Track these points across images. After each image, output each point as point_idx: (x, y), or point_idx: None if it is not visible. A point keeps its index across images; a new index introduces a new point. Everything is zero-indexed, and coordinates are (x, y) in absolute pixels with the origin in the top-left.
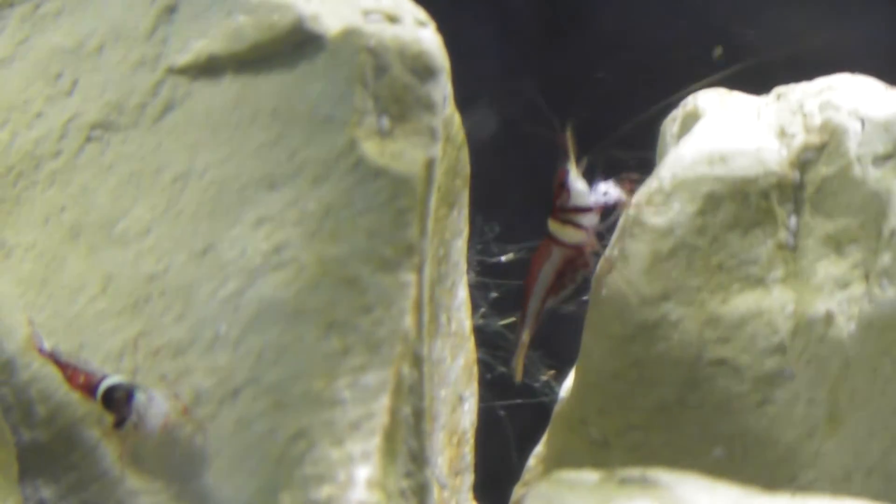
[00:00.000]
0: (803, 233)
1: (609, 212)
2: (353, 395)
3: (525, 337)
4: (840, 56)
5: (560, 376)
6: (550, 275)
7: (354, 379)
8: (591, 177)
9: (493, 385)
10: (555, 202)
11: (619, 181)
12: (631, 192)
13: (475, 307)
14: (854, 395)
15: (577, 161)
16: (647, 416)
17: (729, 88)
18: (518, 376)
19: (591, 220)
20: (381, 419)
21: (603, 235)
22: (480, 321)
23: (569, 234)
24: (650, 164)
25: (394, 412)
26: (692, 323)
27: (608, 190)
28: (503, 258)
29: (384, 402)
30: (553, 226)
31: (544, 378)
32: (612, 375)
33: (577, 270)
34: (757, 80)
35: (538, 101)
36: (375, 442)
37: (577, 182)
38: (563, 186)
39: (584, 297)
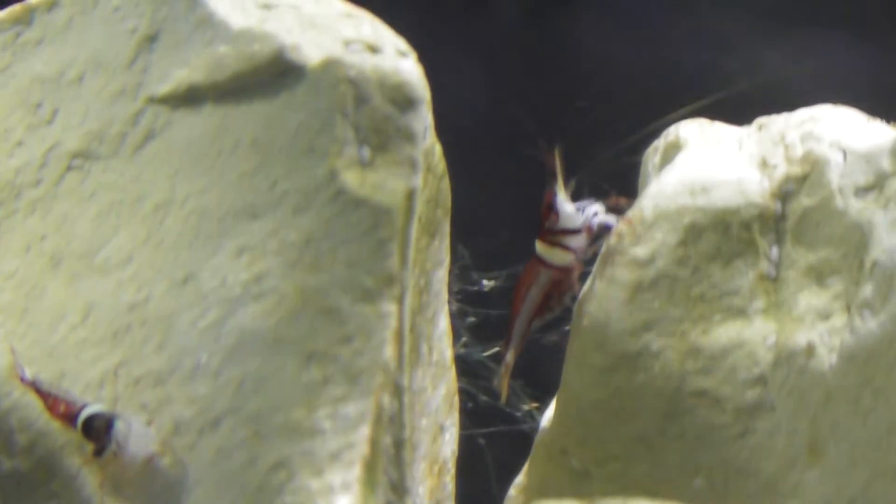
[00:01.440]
0: (785, 264)
1: (597, 235)
2: (334, 425)
3: (510, 358)
4: (821, 87)
5: (542, 406)
6: (537, 297)
7: (334, 409)
8: (578, 199)
9: (475, 414)
10: (542, 224)
11: (608, 204)
12: (620, 215)
13: (456, 336)
14: (835, 426)
15: (565, 183)
16: (627, 446)
17: (711, 119)
18: (503, 397)
19: (579, 242)
20: (362, 449)
21: (591, 258)
22: (462, 350)
23: (557, 256)
24: (633, 193)
25: (374, 442)
26: (673, 354)
27: (596, 212)
28: (484, 286)
29: (364, 432)
30: (541, 248)
31: (527, 408)
32: (593, 406)
33: (563, 293)
34: (739, 111)
35: (526, 123)
36: (356, 472)
37: (565, 204)
38: (552, 208)
39: (566, 327)
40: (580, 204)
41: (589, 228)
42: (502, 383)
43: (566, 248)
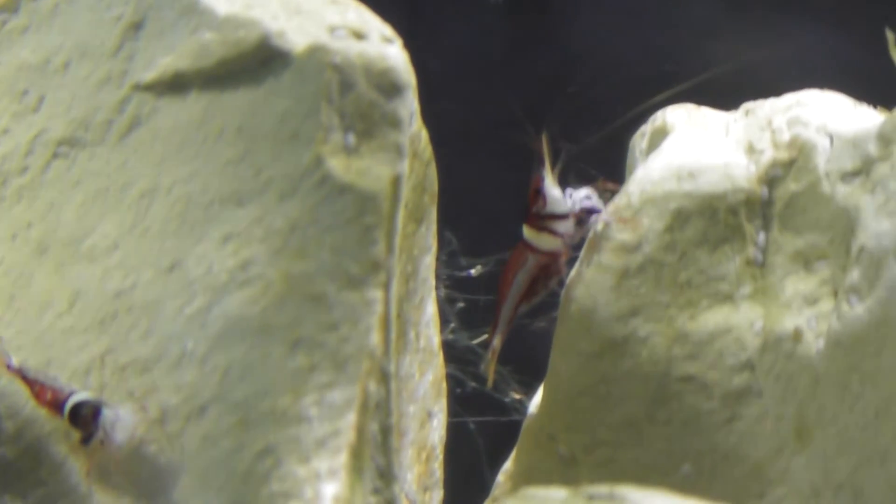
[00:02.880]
0: (772, 249)
1: (585, 219)
2: (320, 412)
3: (497, 343)
4: (808, 71)
5: (530, 392)
6: (524, 281)
7: (321, 396)
8: (565, 184)
9: (463, 401)
10: (530, 208)
11: (596, 188)
12: (608, 199)
13: (444, 322)
14: (822, 411)
15: (553, 168)
16: (615, 432)
17: (697, 104)
18: (489, 382)
19: (566, 227)
20: (348, 436)
21: (578, 243)
22: (450, 336)
23: (544, 241)
24: (620, 177)
25: (360, 429)
26: (660, 339)
27: (584, 197)
28: (472, 272)
29: (350, 419)
30: (528, 232)
31: (516, 396)
32: (580, 392)
33: (550, 277)
34: (726, 96)
35: (514, 108)
36: (342, 459)
37: (552, 189)
38: (539, 193)
39: (554, 314)
40: (568, 189)
41: (576, 213)
42: (489, 368)
43: (554, 232)
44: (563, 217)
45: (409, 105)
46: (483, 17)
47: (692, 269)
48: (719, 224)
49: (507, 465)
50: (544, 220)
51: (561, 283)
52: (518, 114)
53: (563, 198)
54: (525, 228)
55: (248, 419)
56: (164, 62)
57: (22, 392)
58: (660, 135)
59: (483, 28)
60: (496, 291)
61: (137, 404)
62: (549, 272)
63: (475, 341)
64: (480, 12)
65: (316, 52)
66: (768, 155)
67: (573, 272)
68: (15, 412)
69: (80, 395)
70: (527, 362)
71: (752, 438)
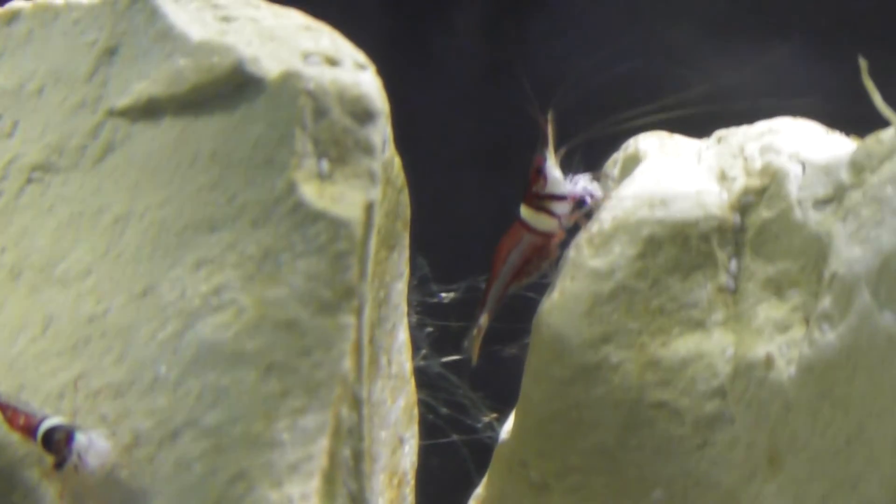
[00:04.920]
0: (744, 276)
1: (581, 204)
2: (292, 437)
3: (484, 320)
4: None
5: (502, 418)
6: (517, 261)
7: (293, 421)
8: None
9: (435, 426)
10: (530, 188)
11: (596, 176)
12: (605, 188)
13: (416, 348)
14: (794, 438)
15: (556, 150)
16: (586, 458)
17: (670, 131)
18: (474, 359)
19: (564, 208)
20: (320, 461)
21: (573, 227)
22: (421, 362)
23: (541, 221)
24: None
25: (333, 454)
26: (632, 366)
27: (584, 182)
28: (443, 298)
29: (323, 444)
30: (526, 212)
31: (487, 420)
32: (552, 418)
33: (543, 258)
34: (698, 123)
35: (523, 85)
36: (314, 484)
37: (553, 169)
38: (540, 173)
39: (526, 340)
40: (569, 174)
41: (575, 197)
42: (474, 345)
43: (551, 213)
44: (561, 198)
45: (383, 131)
46: (458, 43)
47: (664, 295)
48: (691, 251)
49: (479, 491)
50: (543, 200)
51: (552, 266)
52: (527, 90)
53: (563, 179)
54: (522, 207)
55: (220, 444)
56: (139, 88)
57: None
58: (632, 162)
59: (458, 54)
60: (488, 270)
61: (110, 429)
62: (542, 253)
63: (444, 359)
64: (455, 38)
65: (289, 79)
66: (740, 182)
67: (545, 298)
68: None
69: (53, 420)
70: (499, 388)
71: (724, 465)
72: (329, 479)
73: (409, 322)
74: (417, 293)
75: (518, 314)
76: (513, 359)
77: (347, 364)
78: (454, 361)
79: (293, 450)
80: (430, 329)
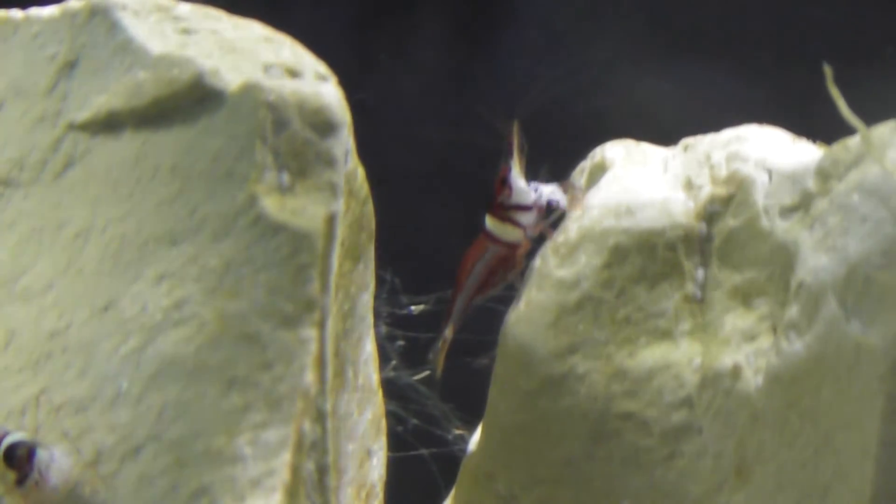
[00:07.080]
0: (711, 285)
1: (547, 214)
2: (254, 451)
3: (449, 332)
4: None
5: (471, 430)
6: (483, 272)
7: (255, 436)
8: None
9: (404, 438)
10: (495, 198)
11: (562, 186)
12: (573, 197)
13: (385, 360)
14: (762, 448)
15: (521, 160)
16: (554, 470)
17: (636, 140)
18: (438, 371)
19: (529, 219)
20: (283, 476)
21: (538, 238)
22: (391, 374)
23: (507, 232)
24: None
25: (295, 468)
26: (599, 376)
27: (550, 191)
28: (413, 310)
29: (285, 458)
30: (491, 222)
31: (457, 433)
32: (519, 429)
33: (508, 269)
34: (665, 131)
35: (481, 109)
36: (276, 498)
37: (518, 180)
38: (505, 182)
39: (495, 351)
40: (533, 183)
41: (541, 207)
42: (439, 358)
43: (516, 223)
44: (526, 208)
45: (345, 143)
46: (423, 54)
47: (631, 305)
48: (658, 260)
49: (447, 503)
50: (508, 211)
51: (519, 276)
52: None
53: (528, 189)
54: (488, 218)
55: (182, 459)
56: (98, 101)
57: None
58: (599, 171)
59: (423, 64)
60: (454, 281)
61: (73, 445)
62: (508, 264)
63: (415, 377)
64: (420, 49)
65: (250, 91)
66: (707, 191)
67: (511, 309)
68: None
69: (15, 436)
70: (470, 399)
71: (692, 475)
72: (292, 494)
73: (379, 334)
74: (387, 305)
75: (489, 325)
76: (484, 370)
77: (309, 377)
78: (424, 373)
79: (255, 464)
80: (400, 341)
